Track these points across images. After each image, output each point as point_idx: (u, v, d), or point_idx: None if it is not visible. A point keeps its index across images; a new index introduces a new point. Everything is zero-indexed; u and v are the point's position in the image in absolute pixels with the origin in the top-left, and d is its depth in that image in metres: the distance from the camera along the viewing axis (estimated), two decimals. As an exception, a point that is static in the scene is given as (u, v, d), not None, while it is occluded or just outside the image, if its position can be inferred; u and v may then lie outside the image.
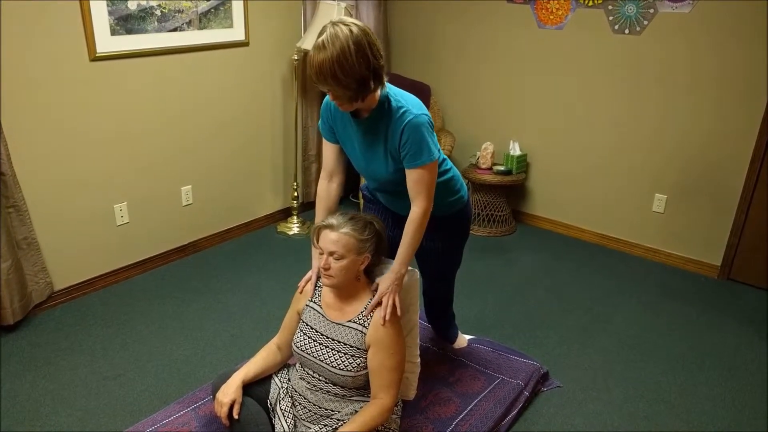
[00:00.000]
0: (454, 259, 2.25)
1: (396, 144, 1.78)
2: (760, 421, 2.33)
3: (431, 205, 1.85)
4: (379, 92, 1.76)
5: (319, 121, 2.00)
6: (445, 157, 2.03)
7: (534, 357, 2.60)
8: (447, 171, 2.01)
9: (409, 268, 1.99)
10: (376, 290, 1.88)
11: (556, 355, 2.70)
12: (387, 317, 1.80)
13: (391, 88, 1.81)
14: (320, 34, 1.62)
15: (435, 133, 1.85)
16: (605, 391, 2.47)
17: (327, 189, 2.06)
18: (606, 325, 2.95)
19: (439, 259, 2.19)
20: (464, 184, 2.12)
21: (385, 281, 1.87)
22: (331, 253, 1.77)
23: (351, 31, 1.61)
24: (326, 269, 1.78)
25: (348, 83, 1.63)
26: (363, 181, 2.42)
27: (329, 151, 2.02)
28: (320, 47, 1.61)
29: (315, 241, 1.84)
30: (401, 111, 1.75)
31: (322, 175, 2.06)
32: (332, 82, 1.64)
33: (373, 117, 1.80)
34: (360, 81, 1.64)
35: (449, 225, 2.10)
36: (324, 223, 1.82)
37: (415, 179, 1.81)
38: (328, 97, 1.85)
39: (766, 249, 3.26)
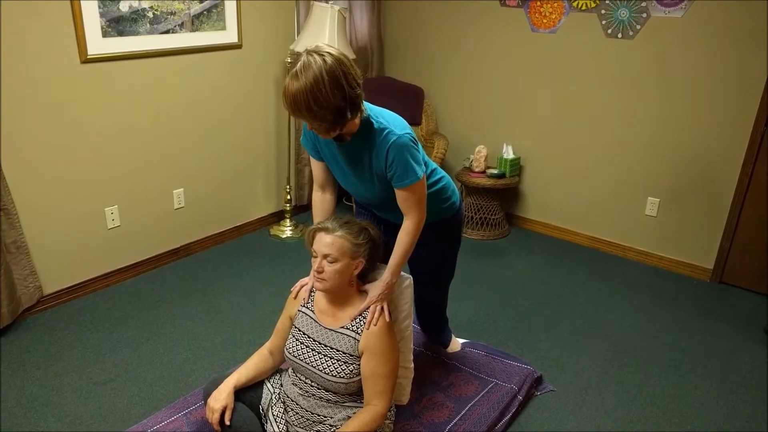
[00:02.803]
0: (447, 265, 2.24)
1: (382, 165, 1.76)
2: (753, 424, 2.34)
3: (424, 216, 1.85)
4: (359, 117, 1.73)
5: (302, 138, 1.96)
6: (435, 166, 2.02)
7: (527, 361, 2.60)
8: (438, 180, 2.00)
9: (403, 273, 1.99)
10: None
11: (550, 358, 2.70)
12: (374, 323, 1.80)
13: (371, 108, 1.78)
14: (296, 62, 1.60)
15: (420, 148, 1.84)
16: (598, 395, 2.47)
17: (322, 200, 2.05)
18: (599, 329, 2.95)
19: (432, 265, 2.18)
20: (456, 190, 2.12)
21: (374, 289, 1.87)
22: (325, 256, 1.75)
23: (324, 60, 1.57)
24: (319, 272, 1.76)
25: (323, 115, 1.60)
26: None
27: (317, 167, 2.00)
28: (294, 76, 1.58)
29: (309, 244, 1.83)
30: (384, 132, 1.73)
31: (315, 187, 2.05)
32: (307, 114, 1.60)
33: (356, 140, 1.77)
34: (336, 112, 1.60)
35: (441, 231, 2.09)
36: (319, 226, 1.81)
37: (404, 197, 1.81)
38: None
39: (758, 252, 3.28)
